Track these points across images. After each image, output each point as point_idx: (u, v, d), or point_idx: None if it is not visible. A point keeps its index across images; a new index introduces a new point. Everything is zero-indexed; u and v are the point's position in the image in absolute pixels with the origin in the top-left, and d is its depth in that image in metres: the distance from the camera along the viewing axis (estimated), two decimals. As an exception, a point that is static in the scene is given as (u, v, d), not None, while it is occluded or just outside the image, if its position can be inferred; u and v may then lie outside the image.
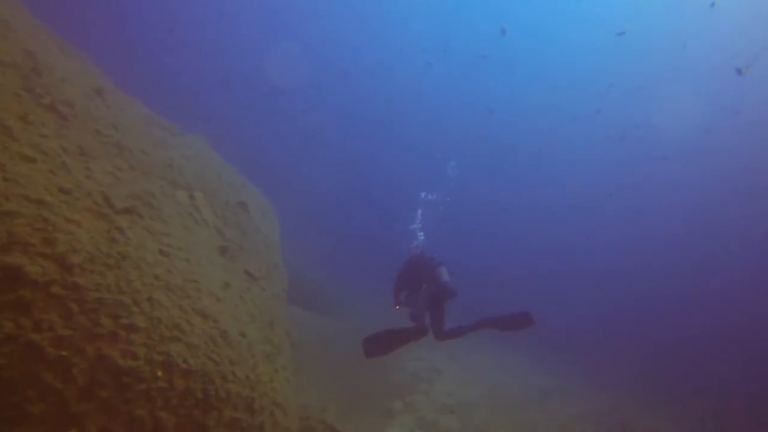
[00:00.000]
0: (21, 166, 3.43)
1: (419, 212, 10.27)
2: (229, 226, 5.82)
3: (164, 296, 3.66)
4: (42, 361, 2.90)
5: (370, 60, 38.33)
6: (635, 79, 33.16)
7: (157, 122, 6.44)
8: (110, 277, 3.32)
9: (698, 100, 32.15)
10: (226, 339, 4.01)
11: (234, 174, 7.03)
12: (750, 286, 26.80)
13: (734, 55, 28.33)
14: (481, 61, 35.72)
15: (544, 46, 36.19)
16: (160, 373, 3.30)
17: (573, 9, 33.54)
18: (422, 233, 9.16)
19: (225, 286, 4.67)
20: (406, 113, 40.48)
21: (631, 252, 34.04)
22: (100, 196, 3.86)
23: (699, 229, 32.92)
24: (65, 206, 3.43)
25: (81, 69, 5.81)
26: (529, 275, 32.54)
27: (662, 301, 28.06)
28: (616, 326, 23.72)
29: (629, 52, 32.55)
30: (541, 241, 37.34)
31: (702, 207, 33.45)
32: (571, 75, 36.78)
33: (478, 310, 7.03)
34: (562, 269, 34.06)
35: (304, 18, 34.19)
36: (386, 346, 6.13)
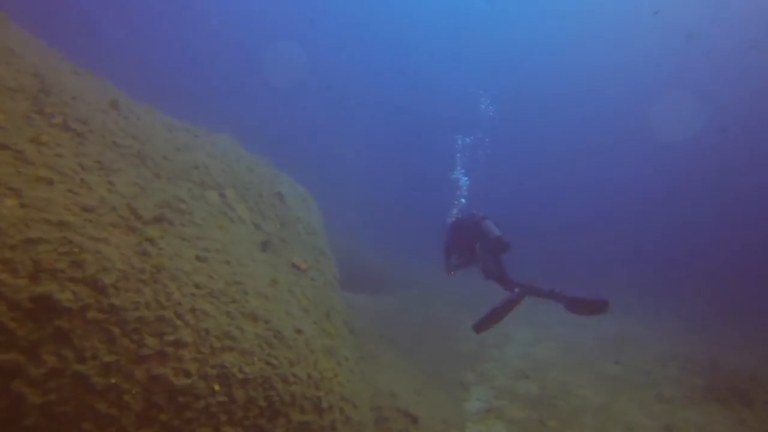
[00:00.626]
0: (39, 189, 3.23)
1: (458, 157, 9.57)
2: (267, 220, 5.56)
3: (208, 304, 3.41)
4: (93, 392, 2.71)
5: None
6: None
7: (180, 127, 6.22)
8: (148, 293, 3.09)
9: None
10: (281, 339, 3.75)
11: (265, 165, 6.75)
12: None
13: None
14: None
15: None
16: (217, 387, 3.07)
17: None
18: (463, 198, 8.79)
19: (272, 283, 4.41)
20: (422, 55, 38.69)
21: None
22: (126, 209, 3.63)
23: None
24: (90, 225, 3.22)
25: (93, 86, 5.62)
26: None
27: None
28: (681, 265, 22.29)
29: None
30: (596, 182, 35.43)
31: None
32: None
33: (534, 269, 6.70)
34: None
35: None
36: (496, 320, 5.92)
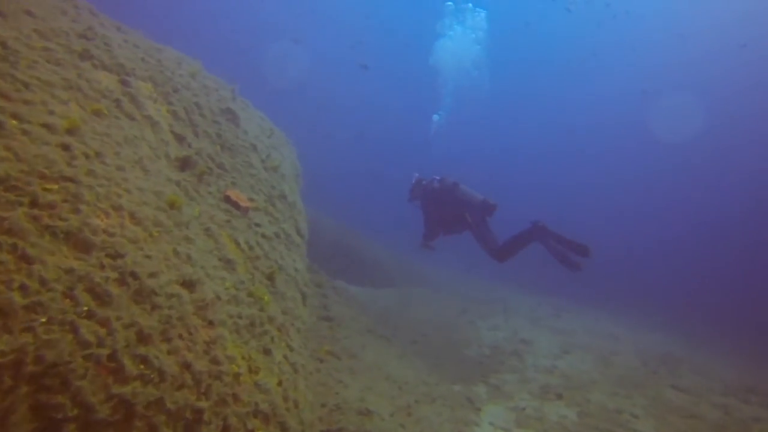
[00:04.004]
0: None
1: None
2: (200, 137, 3.74)
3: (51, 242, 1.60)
4: None
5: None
6: None
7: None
8: None
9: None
10: (144, 295, 1.91)
11: (216, 80, 4.95)
12: None
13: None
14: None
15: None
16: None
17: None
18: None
19: (167, 206, 2.58)
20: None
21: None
22: None
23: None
24: None
25: None
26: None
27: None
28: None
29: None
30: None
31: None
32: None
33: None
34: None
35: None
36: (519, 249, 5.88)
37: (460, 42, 19.31)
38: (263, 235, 3.59)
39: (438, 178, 6.64)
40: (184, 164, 3.32)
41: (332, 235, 13.21)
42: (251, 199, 3.82)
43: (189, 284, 2.22)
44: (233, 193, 3.55)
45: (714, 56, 29.20)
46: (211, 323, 2.22)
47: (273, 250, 3.60)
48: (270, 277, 3.30)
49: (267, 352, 2.59)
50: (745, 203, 26.87)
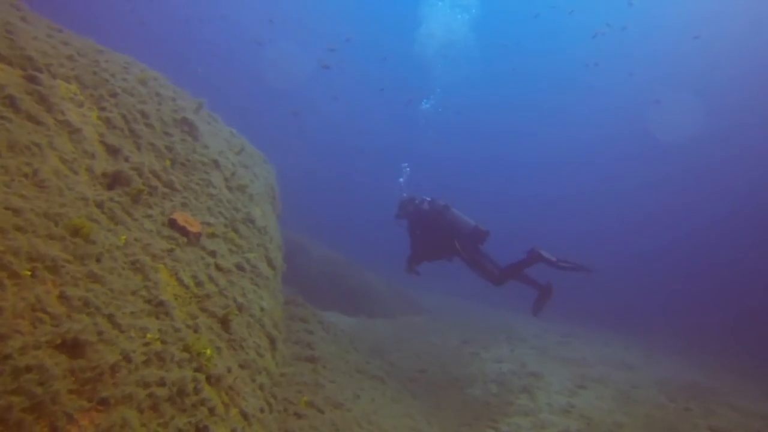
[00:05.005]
0: None
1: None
2: (143, 150, 3.09)
3: None
4: None
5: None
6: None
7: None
8: None
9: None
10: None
11: (177, 90, 4.34)
12: None
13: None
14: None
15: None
16: None
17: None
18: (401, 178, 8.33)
19: (74, 236, 1.90)
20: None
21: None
22: None
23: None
24: None
25: None
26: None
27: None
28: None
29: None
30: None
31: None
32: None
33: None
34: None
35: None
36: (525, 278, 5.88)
37: (444, 22, 18.51)
38: (219, 268, 2.90)
39: (428, 199, 6.37)
40: (114, 181, 2.65)
41: (322, 262, 12.49)
42: (208, 224, 3.14)
43: (71, 346, 1.52)
44: (181, 217, 2.87)
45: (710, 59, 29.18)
46: (104, 403, 1.50)
47: (232, 286, 2.90)
48: (224, 321, 2.59)
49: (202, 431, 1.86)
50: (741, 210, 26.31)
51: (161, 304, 2.17)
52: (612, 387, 7.23)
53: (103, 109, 2.95)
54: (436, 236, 6.06)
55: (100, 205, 2.39)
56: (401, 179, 8.23)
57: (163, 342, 1.97)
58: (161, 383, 1.80)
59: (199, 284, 2.60)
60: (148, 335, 1.91)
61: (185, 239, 2.78)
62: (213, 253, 2.92)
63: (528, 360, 8.59)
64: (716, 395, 7.21)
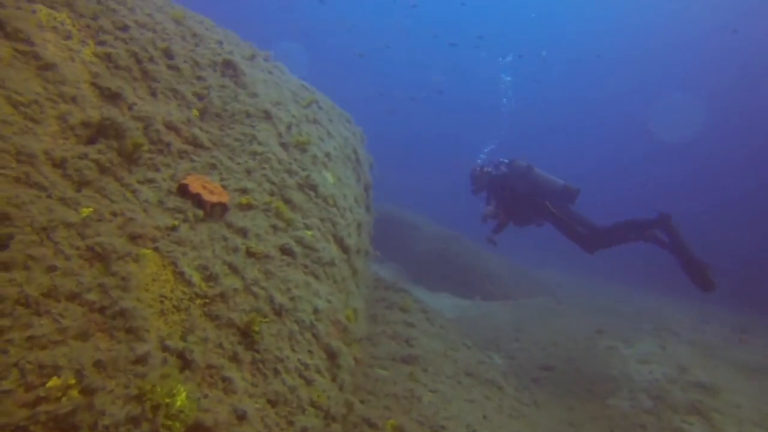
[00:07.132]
0: None
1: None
2: (162, 96, 2.31)
3: None
4: None
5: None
6: None
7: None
8: None
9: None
10: None
11: (228, 34, 3.56)
12: None
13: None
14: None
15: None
16: None
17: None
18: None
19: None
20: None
21: None
22: None
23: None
24: None
25: None
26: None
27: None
28: None
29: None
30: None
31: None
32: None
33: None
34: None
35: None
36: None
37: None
38: (250, 253, 2.01)
39: (506, 161, 5.92)
40: (97, 133, 1.87)
41: (432, 239, 11.46)
42: (243, 191, 2.27)
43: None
44: (197, 181, 2.02)
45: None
46: None
47: (268, 279, 1.99)
48: (245, 332, 1.70)
49: None
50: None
51: (120, 314, 1.32)
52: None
53: (102, 43, 2.20)
54: (522, 199, 5.68)
55: (60, 164, 1.61)
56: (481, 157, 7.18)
57: (85, 392, 1.09)
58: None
59: (210, 278, 1.73)
60: (54, 380, 1.05)
61: (200, 212, 1.93)
62: (243, 232, 2.04)
63: (688, 363, 6.66)
64: None
